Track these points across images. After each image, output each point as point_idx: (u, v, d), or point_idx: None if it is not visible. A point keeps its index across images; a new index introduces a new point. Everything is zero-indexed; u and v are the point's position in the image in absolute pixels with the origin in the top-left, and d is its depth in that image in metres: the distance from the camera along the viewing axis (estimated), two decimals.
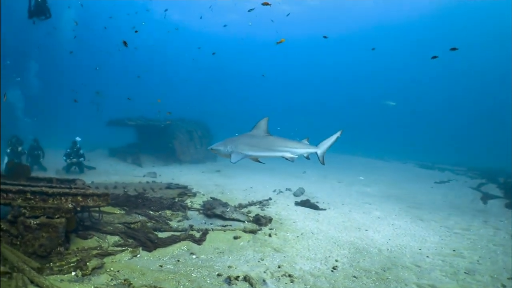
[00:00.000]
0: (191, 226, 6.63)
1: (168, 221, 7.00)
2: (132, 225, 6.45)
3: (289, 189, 12.32)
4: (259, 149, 7.41)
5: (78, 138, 14.82)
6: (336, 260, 5.78)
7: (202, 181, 13.15)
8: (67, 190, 5.24)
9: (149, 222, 6.70)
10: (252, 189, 11.99)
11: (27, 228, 4.64)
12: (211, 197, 9.71)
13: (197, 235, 6.31)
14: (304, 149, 7.79)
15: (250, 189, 11.96)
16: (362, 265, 5.68)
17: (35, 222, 4.67)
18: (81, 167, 14.73)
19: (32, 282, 3.94)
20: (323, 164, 8.22)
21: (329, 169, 18.12)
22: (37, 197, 5.00)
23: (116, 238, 5.78)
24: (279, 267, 5.23)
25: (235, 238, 6.38)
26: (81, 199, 5.25)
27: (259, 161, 7.58)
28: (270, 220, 7.67)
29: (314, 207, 9.79)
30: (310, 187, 12.58)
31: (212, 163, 20.66)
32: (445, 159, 27.42)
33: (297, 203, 10.14)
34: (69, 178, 7.22)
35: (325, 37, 19.70)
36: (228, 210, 7.94)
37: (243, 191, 11.63)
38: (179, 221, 7.18)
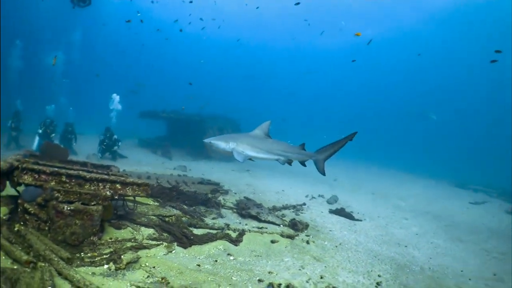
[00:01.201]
0: (227, 225, 6.37)
1: (203, 218, 6.76)
2: (166, 219, 6.16)
3: (321, 196, 11.95)
4: (258, 150, 7.46)
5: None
6: (379, 275, 5.45)
7: (233, 180, 12.92)
8: (105, 177, 4.95)
9: (184, 216, 6.42)
10: (284, 192, 11.67)
11: (58, 214, 4.28)
12: (244, 197, 9.45)
13: (233, 235, 5.99)
14: (297, 154, 7.72)
15: (282, 192, 11.64)
16: (406, 282, 5.39)
17: (68, 208, 4.32)
18: (114, 154, 14.90)
19: (60, 274, 3.51)
20: (323, 174, 8.05)
21: (360, 179, 17.69)
22: (73, 181, 4.69)
23: (151, 230, 5.47)
24: (321, 277, 4.90)
25: (273, 242, 6.06)
26: (119, 187, 4.96)
27: (251, 160, 7.64)
28: (306, 226, 7.35)
29: (350, 217, 9.39)
30: (343, 196, 12.15)
31: (240, 162, 20.44)
32: (475, 178, 26.43)
33: (331, 211, 9.77)
34: (103, 164, 7.07)
35: (353, 61, 19.73)
36: (262, 211, 7.68)
37: (275, 193, 11.33)
38: (213, 218, 6.94)
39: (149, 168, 13.03)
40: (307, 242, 6.48)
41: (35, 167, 4.53)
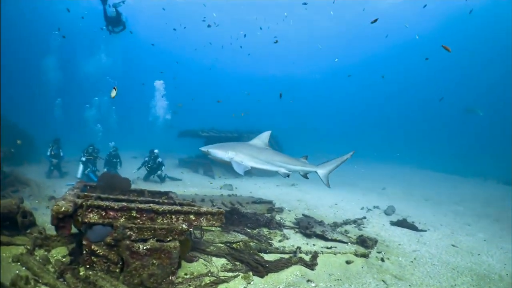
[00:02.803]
0: (299, 248, 6.12)
1: (269, 241, 6.59)
2: (234, 245, 6.03)
3: (377, 207, 11.56)
4: (258, 161, 7.39)
5: (156, 150, 15.06)
6: None
7: (281, 196, 12.73)
8: (178, 208, 4.57)
9: (251, 241, 6.26)
10: (338, 206, 11.36)
11: (133, 254, 3.96)
12: (302, 214, 9.22)
13: (307, 258, 5.79)
14: (300, 166, 7.85)
15: (335, 206, 11.34)
16: None
17: (144, 247, 4.00)
18: (160, 177, 14.83)
19: None
20: (329, 186, 8.11)
21: (408, 185, 17.12)
22: (144, 215, 4.31)
23: (223, 260, 5.33)
24: None
25: (348, 262, 5.83)
26: (194, 218, 4.60)
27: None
28: (375, 242, 7.01)
29: (413, 228, 9.01)
30: (398, 205, 11.69)
31: (281, 177, 20.24)
32: None
33: (393, 223, 9.39)
34: (160, 190, 6.96)
35: (383, 76, 19.43)
36: (326, 229, 7.45)
37: (329, 207, 11.04)
38: (279, 240, 6.76)
39: (196, 189, 13.02)
40: (382, 260, 6.23)
41: (102, 203, 4.16)
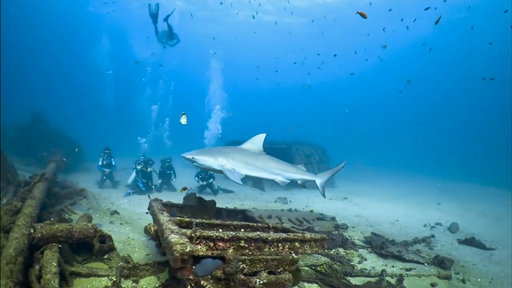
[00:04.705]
0: (384, 271, 6.30)
1: (350, 263, 6.80)
2: (318, 268, 6.07)
3: (439, 224, 11.57)
4: (253, 168, 6.75)
5: None
6: None
7: (339, 211, 12.89)
8: (285, 235, 4.32)
9: (334, 263, 6.45)
10: (399, 223, 11.46)
11: None
12: (371, 233, 9.42)
13: (392, 281, 6.03)
14: (299, 175, 7.37)
15: (397, 223, 11.46)
16: None
17: (260, 282, 3.71)
18: (212, 188, 14.82)
19: None
20: (324, 196, 8.01)
21: (462, 200, 16.84)
22: (252, 245, 4.03)
23: (315, 286, 5.26)
24: None
25: (432, 285, 6.07)
26: (298, 246, 4.39)
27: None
28: (452, 262, 7.20)
29: (482, 246, 9.07)
30: (459, 222, 11.66)
31: (330, 188, 20.30)
32: None
33: (461, 242, 9.48)
34: (236, 209, 7.09)
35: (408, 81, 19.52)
36: (401, 249, 7.63)
37: (391, 224, 11.19)
38: (358, 262, 6.95)
39: (252, 202, 13.38)
40: (463, 281, 6.44)
41: (211, 234, 3.86)
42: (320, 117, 65.17)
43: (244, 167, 6.58)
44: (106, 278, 4.43)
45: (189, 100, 45.70)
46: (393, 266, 6.88)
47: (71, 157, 16.62)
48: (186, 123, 7.79)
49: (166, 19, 17.96)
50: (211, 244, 3.82)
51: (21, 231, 4.37)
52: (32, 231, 4.50)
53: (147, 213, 6.09)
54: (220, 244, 3.85)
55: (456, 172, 29.63)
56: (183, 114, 7.83)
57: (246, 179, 17.86)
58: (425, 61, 49.89)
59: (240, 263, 3.72)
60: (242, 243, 3.95)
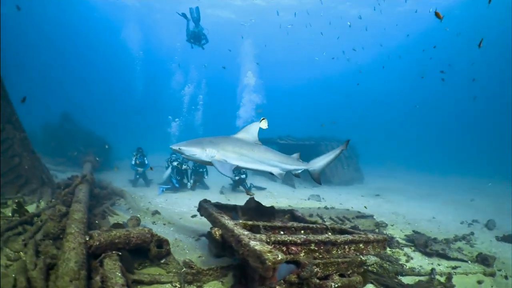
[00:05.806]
0: (433, 269, 6.63)
1: (399, 262, 7.06)
2: (370, 267, 6.30)
3: (476, 221, 11.82)
4: (248, 159, 6.29)
5: None
6: None
7: (374, 208, 13.04)
8: (351, 237, 4.46)
9: (384, 263, 6.73)
10: (436, 220, 11.74)
11: None
12: (412, 231, 9.75)
13: (441, 279, 6.34)
14: (294, 165, 7.10)
15: (434, 220, 11.74)
16: None
17: (336, 286, 3.85)
18: (245, 186, 15.05)
19: None
20: (320, 183, 7.72)
21: (495, 197, 16.86)
22: (321, 247, 4.13)
23: (370, 286, 5.43)
24: None
25: (479, 282, 6.40)
26: (363, 247, 4.49)
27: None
28: (494, 259, 7.47)
29: None
30: (496, 219, 11.79)
31: (359, 185, 20.59)
32: None
33: (499, 239, 9.79)
34: (284, 208, 7.38)
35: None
36: (445, 247, 7.90)
37: (428, 221, 11.46)
38: (406, 261, 7.23)
39: (286, 200, 13.58)
40: (505, 278, 6.76)
41: (285, 238, 3.99)
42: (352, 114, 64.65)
43: (237, 158, 6.15)
44: (169, 285, 4.40)
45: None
46: (439, 264, 7.19)
47: (101, 156, 17.15)
48: (267, 127, 7.15)
49: (196, 20, 18.17)
50: (284, 249, 3.94)
51: (76, 240, 4.14)
52: (87, 239, 4.32)
53: (193, 216, 5.94)
54: (293, 248, 3.97)
55: (485, 170, 29.35)
56: (263, 119, 7.63)
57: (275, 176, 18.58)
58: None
59: (314, 267, 3.89)
60: (313, 246, 4.08)
